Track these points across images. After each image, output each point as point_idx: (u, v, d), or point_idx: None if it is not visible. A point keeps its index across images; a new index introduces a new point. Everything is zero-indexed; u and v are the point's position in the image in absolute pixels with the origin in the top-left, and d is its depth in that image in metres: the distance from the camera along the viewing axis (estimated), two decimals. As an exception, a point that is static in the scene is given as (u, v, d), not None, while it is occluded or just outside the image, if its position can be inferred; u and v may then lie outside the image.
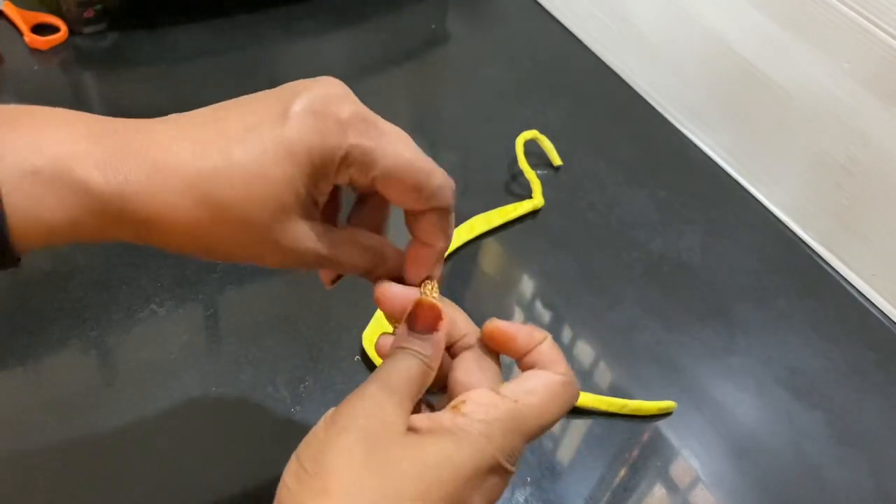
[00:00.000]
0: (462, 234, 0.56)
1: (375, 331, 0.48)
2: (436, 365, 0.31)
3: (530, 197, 0.60)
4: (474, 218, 0.57)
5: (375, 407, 0.28)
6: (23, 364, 0.44)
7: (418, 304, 0.31)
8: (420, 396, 0.30)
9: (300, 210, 0.29)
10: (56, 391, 0.44)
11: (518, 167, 0.61)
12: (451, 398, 0.30)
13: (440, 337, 0.31)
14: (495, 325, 0.32)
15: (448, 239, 0.34)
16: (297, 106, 0.28)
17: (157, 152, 0.27)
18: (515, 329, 0.32)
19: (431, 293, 0.33)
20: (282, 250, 0.29)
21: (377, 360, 0.47)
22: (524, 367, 0.32)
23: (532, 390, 0.30)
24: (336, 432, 0.27)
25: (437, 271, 0.34)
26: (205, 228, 0.28)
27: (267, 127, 0.28)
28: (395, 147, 0.30)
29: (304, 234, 0.30)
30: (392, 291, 0.32)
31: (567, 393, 0.31)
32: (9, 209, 0.25)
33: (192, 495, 0.40)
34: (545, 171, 0.64)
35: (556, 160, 0.64)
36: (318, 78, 0.30)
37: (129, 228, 0.27)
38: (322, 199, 0.30)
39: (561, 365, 0.31)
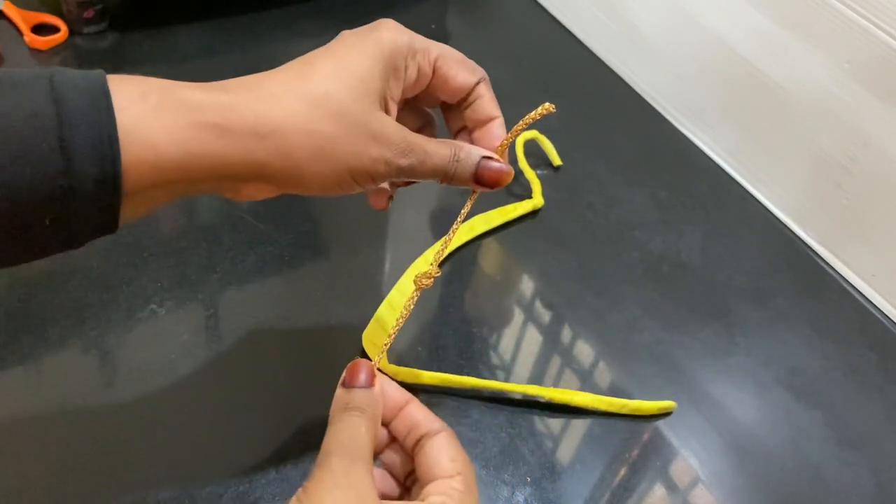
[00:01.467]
0: (462, 233, 0.56)
1: (375, 331, 0.48)
2: (378, 412, 0.32)
3: (530, 197, 0.60)
4: (474, 218, 0.57)
5: (349, 483, 0.29)
6: (23, 364, 0.44)
7: (351, 366, 0.33)
8: (376, 451, 0.32)
9: (381, 104, 0.32)
10: (56, 391, 0.44)
11: (518, 167, 0.61)
12: (432, 475, 0.31)
13: (379, 391, 0.32)
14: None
15: (498, 107, 0.38)
16: (347, 32, 0.34)
17: (257, 76, 0.31)
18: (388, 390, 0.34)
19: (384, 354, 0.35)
20: (375, 137, 0.31)
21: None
22: (401, 437, 0.33)
23: (451, 459, 0.31)
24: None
25: (505, 137, 0.37)
26: (307, 125, 0.30)
27: (336, 44, 0.33)
28: (440, 45, 0.35)
29: (390, 123, 0.32)
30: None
31: (456, 440, 0.33)
32: (121, 132, 0.26)
33: (191, 495, 0.40)
34: (545, 171, 0.64)
35: (556, 160, 0.64)
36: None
37: (237, 139, 0.28)
38: (393, 107, 0.33)
39: (436, 420, 0.33)
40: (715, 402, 0.50)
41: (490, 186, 0.36)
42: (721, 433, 0.48)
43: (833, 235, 0.61)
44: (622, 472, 0.45)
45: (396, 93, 0.33)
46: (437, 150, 0.34)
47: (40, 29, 0.67)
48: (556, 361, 0.50)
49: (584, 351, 0.51)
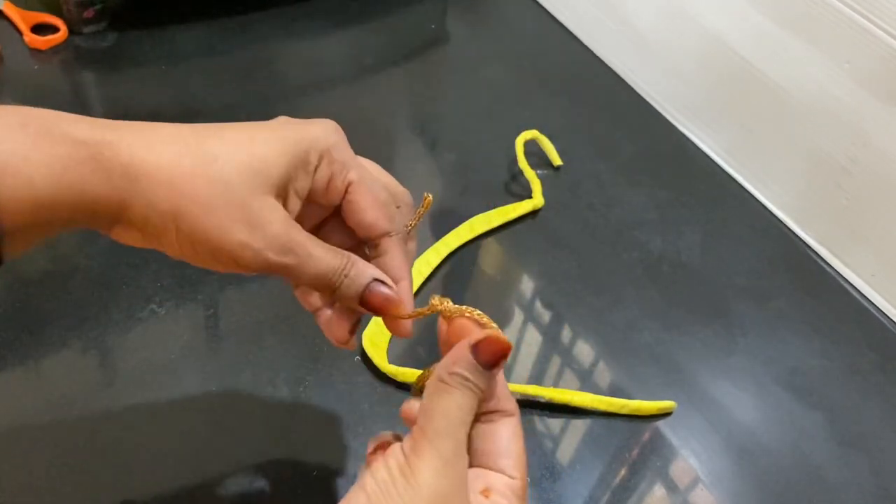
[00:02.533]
0: (462, 233, 0.56)
1: (375, 331, 0.48)
2: (485, 398, 0.30)
3: (530, 197, 0.60)
4: (474, 218, 0.57)
5: (454, 469, 0.27)
6: (23, 364, 0.44)
7: (492, 337, 0.30)
8: None
9: (276, 192, 0.29)
10: (56, 391, 0.44)
11: (518, 167, 0.61)
12: (497, 465, 0.30)
13: (496, 374, 0.30)
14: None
15: (410, 271, 0.34)
16: (284, 116, 0.31)
17: (157, 125, 0.29)
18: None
19: (444, 305, 0.32)
20: (250, 219, 0.28)
21: (377, 360, 0.47)
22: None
23: (517, 456, 0.30)
24: (419, 494, 0.26)
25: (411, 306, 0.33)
26: (182, 180, 0.27)
27: (257, 123, 0.30)
28: (366, 165, 0.33)
29: (277, 210, 0.29)
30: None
31: (521, 429, 0.31)
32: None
33: (192, 495, 0.40)
34: (545, 171, 0.64)
35: (556, 160, 0.64)
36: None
37: (107, 176, 0.27)
38: (295, 202, 0.31)
39: (512, 400, 0.31)
40: (715, 402, 0.50)
41: (375, 312, 0.32)
42: (721, 433, 0.48)
43: (833, 235, 0.61)
44: (622, 472, 0.45)
45: (302, 188, 0.31)
46: (325, 256, 0.30)
47: (40, 29, 0.67)
48: (556, 361, 0.50)
49: (584, 351, 0.51)
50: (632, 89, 0.75)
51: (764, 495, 0.45)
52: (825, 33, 0.56)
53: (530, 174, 0.61)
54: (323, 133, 0.31)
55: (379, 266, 0.33)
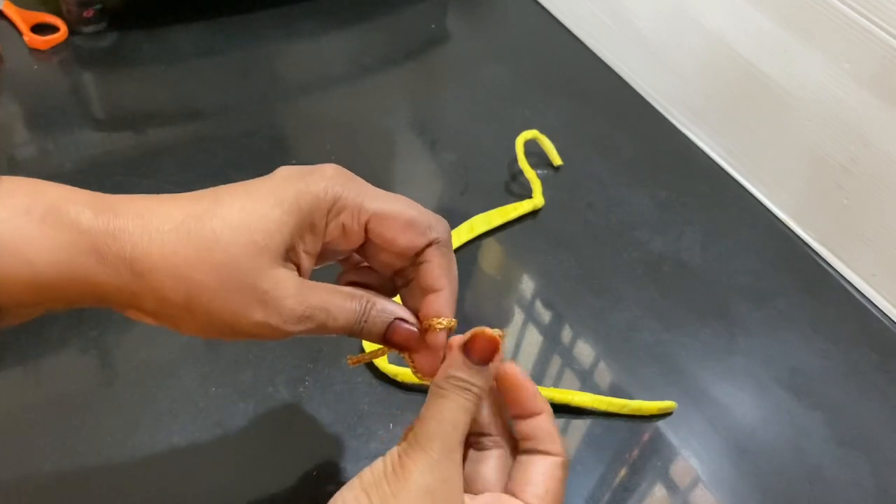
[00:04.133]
0: (462, 234, 0.56)
1: None
2: (484, 397, 0.31)
3: (530, 197, 0.60)
4: (474, 218, 0.57)
5: (441, 472, 0.28)
6: (23, 364, 0.44)
7: (477, 333, 0.30)
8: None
9: (282, 260, 0.29)
10: (56, 391, 0.44)
11: (518, 167, 0.61)
12: (503, 487, 0.32)
13: (493, 369, 0.31)
14: (514, 370, 0.32)
15: (455, 279, 0.33)
16: (285, 168, 0.30)
17: (147, 201, 0.28)
18: (527, 384, 0.33)
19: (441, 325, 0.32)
20: (263, 299, 0.28)
21: (376, 360, 0.47)
22: (521, 437, 0.32)
23: (546, 490, 0.31)
24: (405, 488, 0.28)
25: (453, 318, 0.33)
26: (187, 271, 0.27)
27: (256, 184, 0.29)
28: (379, 193, 0.31)
29: (288, 279, 0.29)
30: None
31: (565, 473, 0.32)
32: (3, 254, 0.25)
33: (191, 495, 0.40)
34: (545, 171, 0.64)
35: (557, 160, 0.64)
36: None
37: (112, 268, 0.27)
38: (309, 262, 0.30)
39: (557, 443, 0.32)
40: (715, 402, 0.50)
41: (400, 349, 0.32)
42: (721, 433, 0.48)
43: (833, 235, 0.61)
44: (622, 472, 0.45)
45: (313, 248, 0.30)
46: (343, 307, 0.30)
47: (40, 28, 0.67)
48: (556, 361, 0.50)
49: (584, 351, 0.51)
50: (632, 89, 0.75)
51: (764, 495, 0.45)
52: (826, 33, 0.56)
53: (530, 174, 0.61)
54: (325, 186, 0.29)
55: (420, 277, 0.32)
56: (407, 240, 0.31)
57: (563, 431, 0.46)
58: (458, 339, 0.31)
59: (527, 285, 0.56)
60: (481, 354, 0.30)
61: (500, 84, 0.72)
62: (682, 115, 0.71)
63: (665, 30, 0.70)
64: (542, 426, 0.32)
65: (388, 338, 0.32)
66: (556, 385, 0.49)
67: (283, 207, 0.28)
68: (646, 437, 0.47)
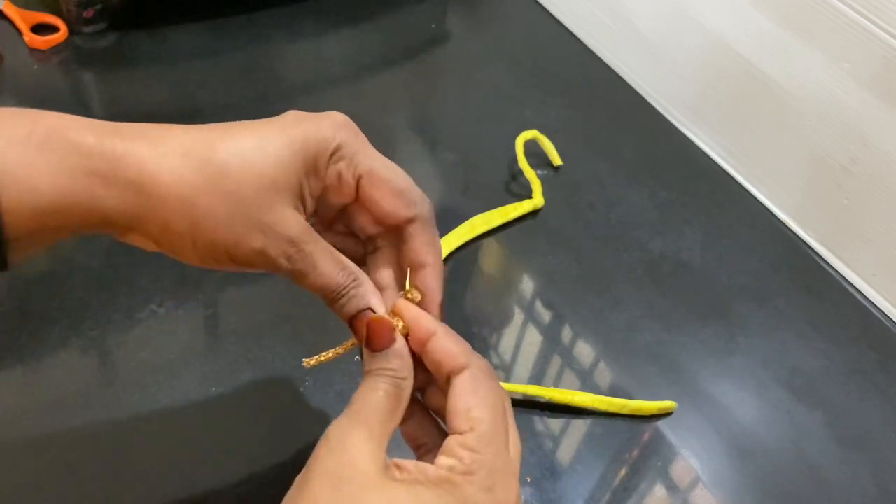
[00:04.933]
0: (462, 233, 0.56)
1: None
2: (408, 376, 0.30)
3: (530, 197, 0.60)
4: (474, 218, 0.57)
5: (342, 447, 0.27)
6: (23, 364, 0.44)
7: (369, 323, 0.30)
8: (398, 417, 0.30)
9: (290, 198, 0.29)
10: (56, 391, 0.44)
11: (518, 167, 0.61)
12: (450, 427, 0.30)
13: (400, 348, 0.30)
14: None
15: (440, 256, 0.33)
16: (294, 112, 0.31)
17: (156, 127, 0.28)
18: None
19: (411, 296, 0.32)
20: (265, 229, 0.28)
21: None
22: (437, 372, 0.31)
23: (476, 419, 0.29)
24: (304, 481, 0.27)
25: (440, 293, 0.33)
26: (195, 196, 0.27)
27: (266, 123, 0.30)
28: (379, 156, 0.32)
29: (292, 219, 0.29)
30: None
31: (488, 378, 0.30)
32: (7, 180, 0.25)
33: (191, 495, 0.40)
34: (545, 171, 0.64)
35: (557, 160, 0.64)
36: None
37: (117, 190, 0.26)
38: (310, 202, 0.31)
39: (462, 355, 0.30)
40: (715, 402, 0.50)
41: (357, 337, 0.32)
42: (721, 433, 0.48)
43: (833, 235, 0.61)
44: (622, 472, 0.45)
45: (314, 189, 0.31)
46: (329, 271, 0.30)
47: (40, 29, 0.67)
48: (556, 361, 0.50)
49: (584, 351, 0.51)
50: (632, 89, 0.75)
51: (764, 495, 0.45)
52: (826, 33, 0.56)
53: (530, 174, 0.61)
54: (332, 131, 0.30)
55: (406, 253, 0.33)
56: (392, 206, 0.32)
57: (563, 431, 0.46)
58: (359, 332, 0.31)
59: (527, 285, 0.56)
60: (380, 339, 0.30)
61: (500, 84, 0.72)
62: (682, 115, 0.71)
63: (665, 30, 0.70)
64: (438, 349, 0.30)
65: (353, 322, 0.32)
66: (556, 385, 0.49)
67: (293, 147, 0.29)
68: (646, 437, 0.47)
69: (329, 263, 0.31)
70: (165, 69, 0.67)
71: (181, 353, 0.46)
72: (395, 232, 0.33)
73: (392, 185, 0.31)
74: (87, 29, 0.68)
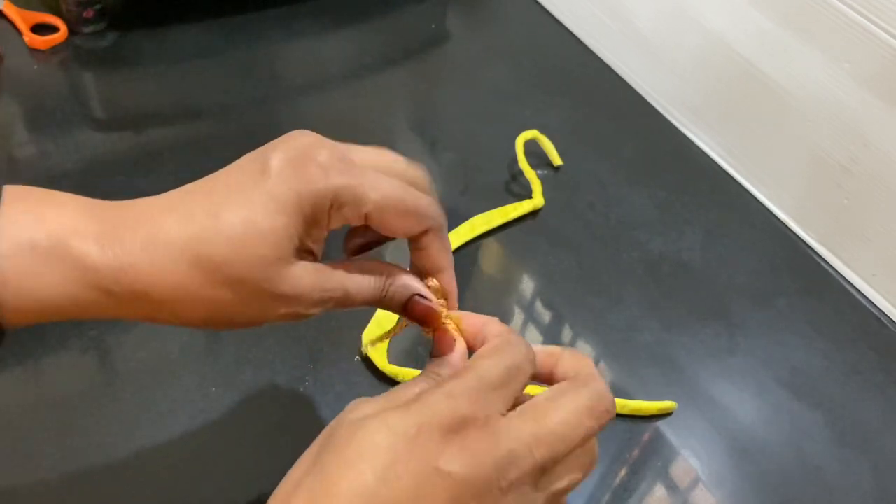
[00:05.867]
0: (462, 233, 0.56)
1: (375, 331, 0.48)
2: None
3: (530, 197, 0.60)
4: (474, 218, 0.57)
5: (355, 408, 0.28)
6: (23, 364, 0.44)
7: (436, 335, 0.32)
8: None
9: (296, 256, 0.29)
10: (56, 391, 0.44)
11: (518, 167, 0.61)
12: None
13: (456, 361, 0.31)
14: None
15: (452, 259, 0.34)
16: (275, 160, 0.29)
17: (149, 225, 0.28)
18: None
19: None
20: (283, 298, 0.29)
21: (377, 360, 0.47)
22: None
23: (479, 364, 0.29)
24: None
25: (456, 292, 0.34)
26: (201, 293, 0.28)
27: (250, 185, 0.28)
28: (379, 180, 0.30)
29: (304, 274, 0.29)
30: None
31: (515, 343, 0.30)
32: (7, 288, 0.26)
33: (191, 496, 0.40)
34: (545, 171, 0.64)
35: (557, 160, 0.64)
36: (288, 133, 0.31)
37: (126, 302, 0.28)
38: (318, 248, 0.31)
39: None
40: (715, 402, 0.50)
41: (420, 323, 0.33)
42: (721, 433, 0.48)
43: (833, 235, 0.61)
44: (622, 472, 0.45)
45: (320, 237, 0.30)
46: (361, 286, 0.31)
47: (40, 28, 0.67)
48: (556, 361, 0.50)
49: (585, 351, 0.51)
50: (632, 89, 0.75)
51: (764, 495, 0.45)
52: (826, 33, 0.56)
53: (530, 174, 0.61)
54: (321, 179, 0.29)
55: (420, 261, 0.33)
56: (405, 228, 0.32)
57: (563, 431, 0.46)
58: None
59: (527, 285, 0.56)
60: (441, 349, 0.31)
61: (500, 84, 0.72)
62: (682, 115, 0.71)
63: (665, 30, 0.70)
64: (487, 329, 0.32)
65: (409, 313, 0.32)
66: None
67: (287, 212, 0.28)
68: (646, 437, 0.47)
69: (357, 283, 0.31)
70: (165, 69, 0.67)
71: (181, 353, 0.46)
72: (410, 244, 0.34)
73: (400, 208, 0.31)
74: (87, 29, 0.68)
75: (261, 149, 0.30)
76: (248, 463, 0.42)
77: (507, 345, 0.29)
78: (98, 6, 0.67)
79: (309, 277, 0.29)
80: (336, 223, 0.30)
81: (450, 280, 0.34)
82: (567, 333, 0.52)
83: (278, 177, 0.28)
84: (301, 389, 0.45)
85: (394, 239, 0.33)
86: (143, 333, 0.47)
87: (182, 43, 0.70)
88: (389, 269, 0.32)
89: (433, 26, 0.78)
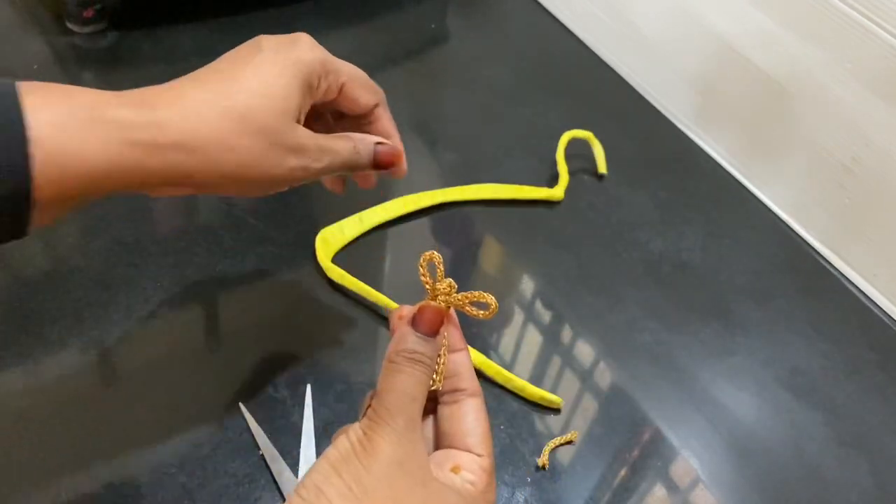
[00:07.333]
0: (468, 192, 0.58)
1: (333, 232, 0.52)
2: (435, 363, 0.32)
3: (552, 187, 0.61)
4: (486, 185, 0.58)
5: (410, 443, 0.29)
6: (23, 364, 0.44)
7: (424, 307, 0.32)
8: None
9: (297, 117, 0.35)
10: (56, 391, 0.44)
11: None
12: (438, 441, 0.33)
13: (440, 341, 0.32)
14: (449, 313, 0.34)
15: (394, 125, 0.42)
16: (267, 42, 0.35)
17: (174, 92, 0.32)
18: (454, 320, 0.34)
19: (450, 298, 0.33)
20: (294, 149, 0.34)
21: (321, 258, 0.49)
22: (444, 374, 0.33)
23: (483, 434, 0.32)
24: (376, 461, 0.28)
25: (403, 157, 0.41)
26: (230, 141, 0.32)
27: (255, 59, 0.34)
28: (342, 61, 0.38)
29: (305, 135, 0.35)
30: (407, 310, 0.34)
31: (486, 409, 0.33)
32: (45, 152, 0.27)
33: (191, 495, 0.40)
34: (584, 175, 0.63)
35: (602, 168, 0.64)
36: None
37: (165, 154, 0.30)
38: (303, 116, 0.36)
39: (476, 380, 0.33)
40: (715, 402, 0.50)
41: (387, 166, 0.40)
42: (721, 433, 0.48)
43: (835, 235, 0.61)
44: (622, 472, 0.45)
45: (308, 105, 0.36)
46: (342, 145, 0.37)
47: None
48: (556, 361, 0.50)
49: (584, 351, 0.51)
50: (632, 88, 0.75)
51: (764, 495, 0.45)
52: (827, 33, 0.56)
53: (563, 168, 0.61)
54: (314, 53, 0.35)
55: (375, 130, 0.40)
56: (366, 98, 0.39)
57: (564, 431, 0.46)
58: (406, 313, 0.32)
59: (527, 285, 0.56)
60: (429, 326, 0.32)
61: (500, 84, 0.72)
62: (683, 115, 0.71)
63: (666, 29, 0.70)
64: (464, 362, 0.33)
65: (377, 159, 0.39)
66: (556, 385, 0.49)
67: (292, 75, 0.34)
68: (646, 437, 0.47)
69: (337, 141, 0.37)
70: (165, 69, 0.67)
71: (181, 353, 0.46)
72: (363, 117, 0.40)
73: (362, 81, 0.39)
74: (87, 29, 0.68)
75: (246, 42, 0.35)
76: (247, 463, 0.42)
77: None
78: (98, 6, 0.67)
79: (308, 135, 0.35)
80: (322, 88, 0.37)
81: (399, 139, 0.41)
82: (567, 333, 0.52)
83: (277, 48, 0.34)
84: (301, 389, 0.46)
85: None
86: (143, 333, 0.47)
87: (182, 43, 0.70)
88: (354, 135, 0.38)
89: (433, 26, 0.78)
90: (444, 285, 0.33)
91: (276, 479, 0.41)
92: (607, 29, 0.76)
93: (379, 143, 0.39)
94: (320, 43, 0.36)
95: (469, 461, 0.31)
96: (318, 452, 0.43)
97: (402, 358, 0.31)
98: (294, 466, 0.42)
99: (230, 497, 0.40)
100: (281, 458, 0.42)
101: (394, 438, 0.29)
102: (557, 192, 0.60)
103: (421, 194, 0.57)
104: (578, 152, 0.64)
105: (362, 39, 0.74)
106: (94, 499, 0.39)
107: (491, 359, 0.49)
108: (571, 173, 0.62)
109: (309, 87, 0.35)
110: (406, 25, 0.77)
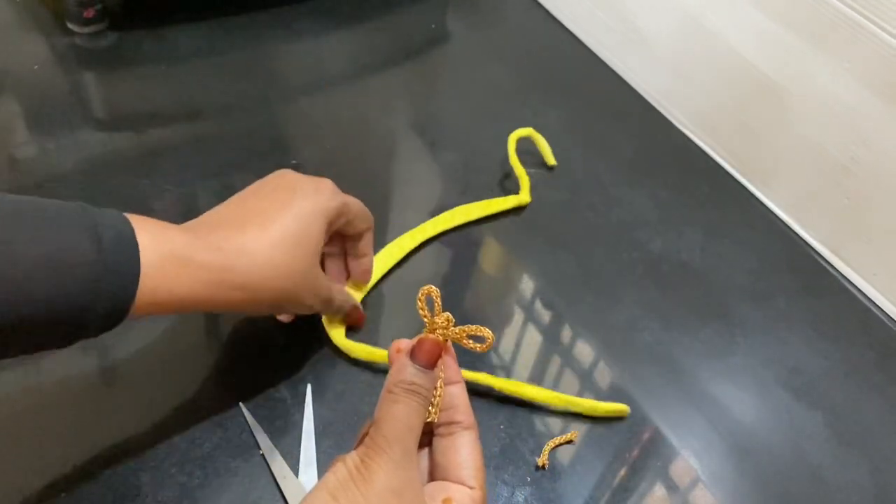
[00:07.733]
0: (439, 223, 0.56)
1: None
2: (430, 400, 0.33)
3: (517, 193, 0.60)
4: (455, 209, 0.57)
5: (404, 471, 0.30)
6: (23, 364, 0.44)
7: (423, 339, 0.33)
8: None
9: (320, 255, 0.41)
10: (56, 391, 0.44)
11: (509, 164, 0.61)
12: (432, 473, 0.34)
13: (437, 373, 0.33)
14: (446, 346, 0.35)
15: (371, 247, 0.49)
16: (302, 186, 0.41)
17: (241, 238, 0.38)
18: (450, 352, 0.35)
19: (448, 332, 0.34)
20: (315, 292, 0.42)
21: (333, 335, 0.47)
22: (446, 417, 0.34)
23: (476, 467, 0.33)
24: (373, 488, 0.29)
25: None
26: (279, 282, 0.39)
27: (295, 199, 0.40)
28: (348, 196, 0.44)
29: (323, 279, 0.42)
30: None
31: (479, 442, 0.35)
32: (147, 288, 0.33)
33: (191, 495, 0.40)
34: (539, 170, 0.64)
35: (550, 160, 0.64)
36: (282, 171, 0.43)
37: (228, 292, 0.37)
38: (321, 249, 0.42)
39: (471, 414, 0.34)
40: (715, 402, 0.50)
41: (352, 324, 0.49)
42: (721, 433, 0.48)
43: (834, 234, 0.61)
44: (622, 472, 0.45)
45: (325, 240, 0.42)
46: (342, 300, 0.46)
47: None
48: (556, 361, 0.50)
49: (584, 351, 0.51)
50: (632, 89, 0.75)
51: (764, 495, 0.45)
52: (826, 33, 0.56)
53: (520, 171, 0.61)
54: (335, 200, 0.42)
55: (356, 248, 0.48)
56: (362, 227, 0.46)
57: (563, 431, 0.46)
58: (405, 345, 0.33)
59: (527, 285, 0.56)
60: (427, 358, 0.33)
61: (500, 84, 0.73)
62: (683, 115, 0.71)
63: (665, 29, 0.70)
64: (460, 395, 0.34)
65: (350, 315, 0.47)
66: (556, 385, 0.49)
67: (319, 223, 0.41)
68: (646, 437, 0.47)
69: (336, 292, 0.45)
70: (165, 69, 0.67)
71: (181, 353, 0.46)
72: (352, 240, 0.47)
73: (362, 214, 0.45)
74: (87, 29, 0.68)
75: (278, 181, 0.42)
76: (248, 463, 0.42)
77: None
78: (98, 6, 0.67)
79: (324, 280, 0.42)
80: (334, 229, 0.43)
81: (370, 262, 0.49)
82: (567, 333, 0.52)
83: (305, 197, 0.41)
84: (301, 389, 0.46)
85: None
86: (143, 333, 0.47)
87: (182, 43, 0.70)
88: (343, 289, 0.47)
89: (433, 26, 0.78)
90: (442, 319, 0.34)
91: (277, 479, 0.41)
92: (607, 29, 0.76)
93: (356, 306, 0.48)
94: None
95: (461, 494, 0.32)
96: (319, 452, 0.43)
97: (401, 389, 0.32)
98: (294, 466, 0.42)
99: (230, 497, 0.40)
100: (281, 458, 0.42)
101: (391, 467, 0.30)
102: (523, 196, 0.60)
103: (394, 243, 0.54)
104: (527, 151, 0.64)
105: (362, 39, 0.74)
106: (95, 499, 0.39)
107: (490, 359, 0.49)
108: (532, 171, 0.62)
109: (329, 226, 0.42)
110: (406, 25, 0.77)
